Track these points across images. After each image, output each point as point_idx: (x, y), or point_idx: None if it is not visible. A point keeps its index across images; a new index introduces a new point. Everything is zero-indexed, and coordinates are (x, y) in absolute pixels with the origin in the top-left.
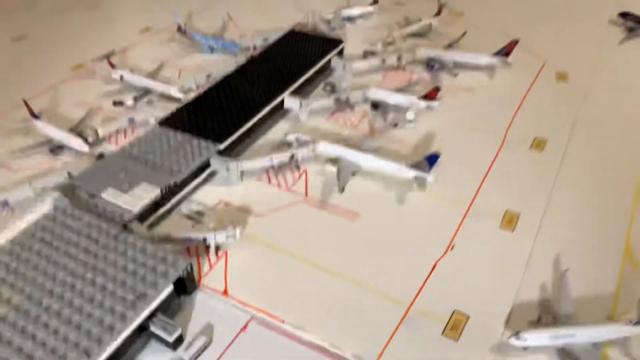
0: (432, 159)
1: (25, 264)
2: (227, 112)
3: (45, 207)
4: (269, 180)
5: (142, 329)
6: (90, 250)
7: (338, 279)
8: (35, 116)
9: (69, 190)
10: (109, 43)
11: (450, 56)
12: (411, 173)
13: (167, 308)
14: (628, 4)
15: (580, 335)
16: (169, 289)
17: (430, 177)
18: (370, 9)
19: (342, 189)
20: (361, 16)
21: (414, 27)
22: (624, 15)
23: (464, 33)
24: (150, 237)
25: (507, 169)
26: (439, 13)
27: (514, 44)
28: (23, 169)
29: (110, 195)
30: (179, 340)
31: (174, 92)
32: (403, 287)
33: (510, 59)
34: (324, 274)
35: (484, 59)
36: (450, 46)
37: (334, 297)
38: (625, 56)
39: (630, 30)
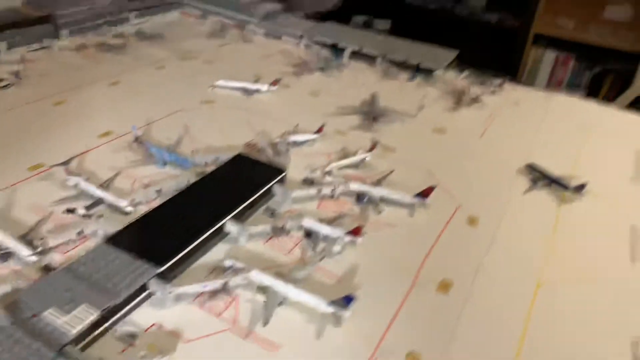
0: (347, 299)
1: None
2: (170, 233)
3: None
4: (202, 305)
5: None
6: None
7: None
8: None
9: (13, 305)
10: (69, 144)
11: (378, 192)
12: (330, 309)
13: None
14: (534, 157)
15: None
16: None
17: (346, 314)
18: (314, 136)
19: (265, 323)
20: (305, 142)
21: (349, 160)
22: (530, 167)
23: (392, 171)
24: None
25: (415, 309)
26: (372, 148)
27: (431, 189)
28: None
29: (51, 315)
30: None
31: (124, 205)
32: None
33: (428, 200)
34: None
35: (407, 198)
36: (379, 182)
37: None
38: (528, 206)
39: (534, 181)
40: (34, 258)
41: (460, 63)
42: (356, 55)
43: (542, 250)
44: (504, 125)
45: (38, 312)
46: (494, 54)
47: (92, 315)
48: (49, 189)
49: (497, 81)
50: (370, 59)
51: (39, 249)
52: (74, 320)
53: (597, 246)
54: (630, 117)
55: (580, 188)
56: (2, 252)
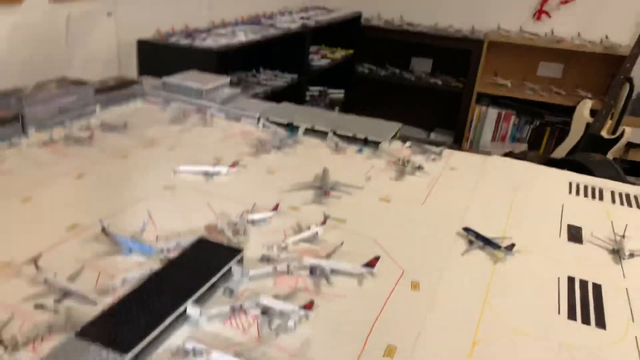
0: None
1: None
2: (136, 321)
3: None
4: None
5: None
6: None
7: None
8: None
9: None
10: (37, 239)
11: (329, 264)
12: None
13: None
14: (470, 219)
15: None
16: None
17: None
18: (271, 214)
19: None
20: (262, 220)
21: (303, 235)
22: (466, 229)
23: (342, 243)
24: None
25: None
26: (324, 222)
27: (376, 259)
28: None
29: None
30: None
31: (91, 297)
32: None
33: (374, 270)
34: None
35: (355, 269)
36: (330, 254)
37: None
38: (465, 267)
39: (471, 243)
40: (6, 357)
41: (409, 125)
42: (309, 132)
43: (478, 307)
44: (443, 191)
45: None
46: (443, 113)
47: None
48: (18, 285)
49: (437, 149)
50: (322, 134)
51: (9, 349)
52: None
53: (527, 301)
54: (555, 173)
55: (510, 247)
56: None
